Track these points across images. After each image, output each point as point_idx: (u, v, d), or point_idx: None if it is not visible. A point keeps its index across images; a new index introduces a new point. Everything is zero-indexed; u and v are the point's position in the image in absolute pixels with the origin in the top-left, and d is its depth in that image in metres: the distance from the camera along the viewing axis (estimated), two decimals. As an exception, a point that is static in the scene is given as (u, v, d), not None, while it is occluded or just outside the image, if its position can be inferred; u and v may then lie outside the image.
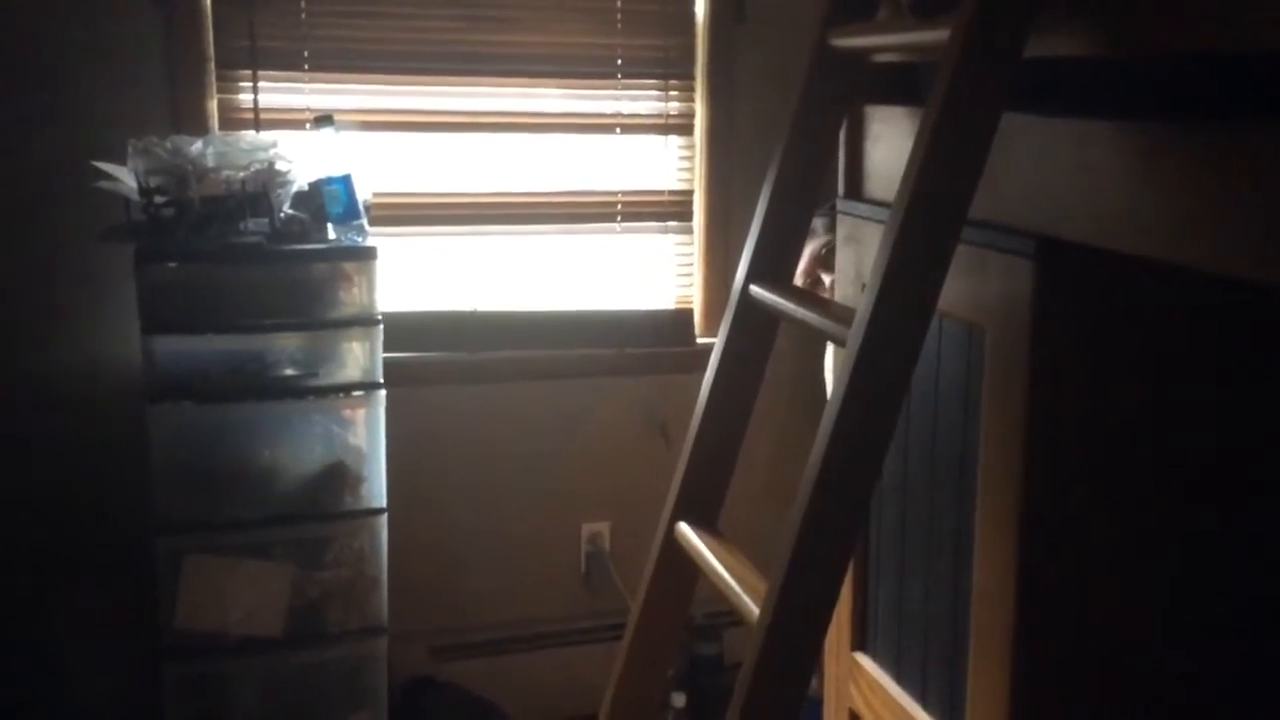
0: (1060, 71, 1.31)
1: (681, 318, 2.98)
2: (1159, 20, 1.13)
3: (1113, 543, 1.41)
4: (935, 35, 1.28)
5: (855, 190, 1.75)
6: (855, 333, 1.27)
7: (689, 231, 2.99)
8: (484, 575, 2.86)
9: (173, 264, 2.18)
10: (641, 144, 2.93)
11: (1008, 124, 1.25)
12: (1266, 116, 1.10)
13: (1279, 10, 1.01)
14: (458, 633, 2.86)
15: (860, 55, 1.54)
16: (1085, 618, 1.42)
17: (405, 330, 2.66)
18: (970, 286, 1.42)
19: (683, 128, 2.94)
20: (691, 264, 3.00)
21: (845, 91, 1.57)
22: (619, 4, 2.82)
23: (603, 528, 2.96)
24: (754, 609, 1.35)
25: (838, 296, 1.80)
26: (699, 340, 2.97)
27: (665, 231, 2.99)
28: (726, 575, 1.45)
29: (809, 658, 1.31)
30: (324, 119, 2.33)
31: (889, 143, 1.67)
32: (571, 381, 2.89)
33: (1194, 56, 1.14)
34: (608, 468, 2.92)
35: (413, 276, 2.78)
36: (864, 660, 1.77)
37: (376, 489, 2.35)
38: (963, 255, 1.28)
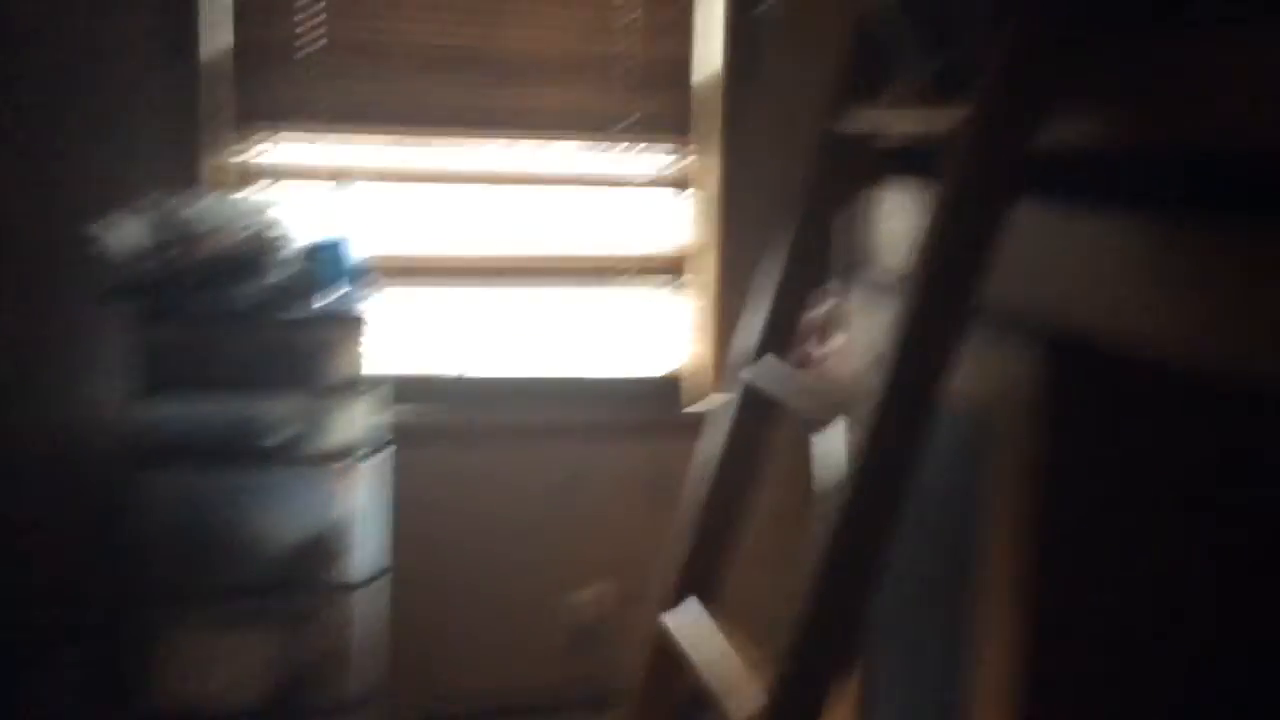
0: (1076, 161, 1.28)
1: (671, 383, 2.94)
2: (1182, 114, 1.11)
3: (1124, 646, 1.36)
4: (946, 121, 1.26)
5: (866, 263, 1.72)
6: (863, 417, 1.23)
7: (692, 292, 2.96)
8: (472, 644, 2.80)
9: (166, 327, 2.14)
10: (643, 203, 2.91)
11: (1020, 212, 1.22)
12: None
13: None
14: (444, 703, 2.78)
15: (867, 139, 1.51)
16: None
17: (402, 392, 2.61)
18: (975, 375, 1.38)
19: (689, 187, 2.92)
20: (691, 325, 2.97)
21: (851, 174, 1.54)
22: (625, 63, 2.81)
23: (592, 595, 2.90)
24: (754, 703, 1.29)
25: (848, 369, 1.76)
26: (691, 405, 2.92)
27: (670, 292, 2.96)
28: (717, 678, 1.39)
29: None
30: (340, 175, 2.31)
31: (900, 216, 1.64)
32: (561, 447, 2.84)
33: (1218, 153, 1.11)
34: (597, 534, 2.87)
35: (409, 335, 2.75)
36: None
37: (366, 558, 2.29)
38: (969, 343, 1.25)
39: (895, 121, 1.46)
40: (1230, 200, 1.15)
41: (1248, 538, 1.36)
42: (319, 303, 2.23)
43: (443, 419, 2.74)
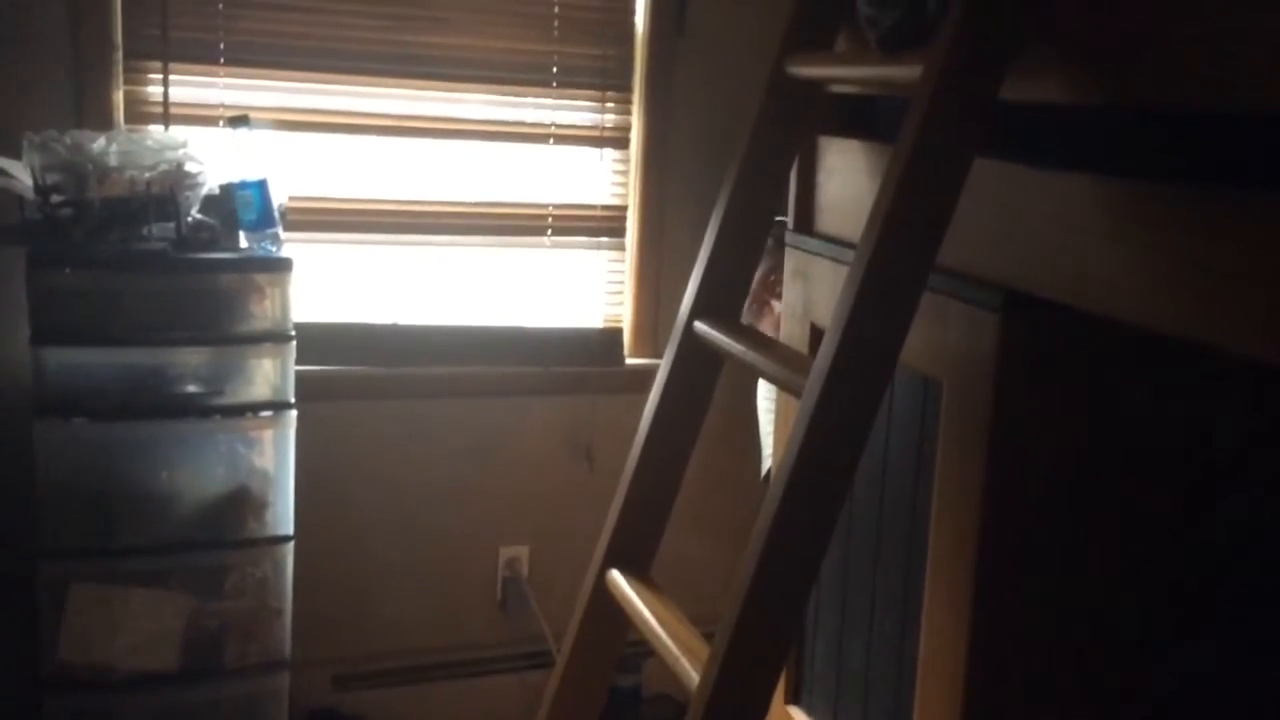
0: (1038, 118, 1.24)
1: (610, 337, 2.88)
2: (1149, 73, 1.07)
3: (1072, 611, 1.34)
4: (906, 71, 1.21)
5: (805, 224, 1.67)
6: (812, 384, 1.19)
7: (621, 248, 2.89)
8: (396, 601, 2.73)
9: (69, 270, 2.01)
10: (575, 156, 2.83)
11: (979, 169, 1.18)
12: (1250, 184, 1.04)
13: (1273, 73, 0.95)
14: (365, 662, 2.72)
15: (818, 85, 1.46)
16: (1039, 688, 1.36)
17: (318, 342, 2.51)
18: (929, 337, 1.35)
19: (618, 141, 2.84)
20: (623, 282, 2.91)
21: (801, 121, 1.49)
22: (556, 10, 2.72)
23: (521, 552, 2.85)
24: (694, 675, 1.26)
25: (784, 334, 1.72)
26: (628, 361, 2.87)
27: (597, 248, 2.89)
28: (664, 636, 1.36)
29: (752, 730, 1.23)
30: (239, 118, 2.18)
31: (843, 177, 1.59)
32: (493, 400, 2.77)
33: (1183, 115, 1.08)
34: (528, 490, 2.81)
35: (330, 286, 2.64)
36: (798, 716, 1.69)
37: (283, 514, 2.21)
38: (923, 304, 1.21)
39: (850, 71, 1.41)
40: (1193, 160, 1.12)
41: (1197, 499, 1.35)
42: (237, 247, 2.12)
43: (368, 369, 2.65)
